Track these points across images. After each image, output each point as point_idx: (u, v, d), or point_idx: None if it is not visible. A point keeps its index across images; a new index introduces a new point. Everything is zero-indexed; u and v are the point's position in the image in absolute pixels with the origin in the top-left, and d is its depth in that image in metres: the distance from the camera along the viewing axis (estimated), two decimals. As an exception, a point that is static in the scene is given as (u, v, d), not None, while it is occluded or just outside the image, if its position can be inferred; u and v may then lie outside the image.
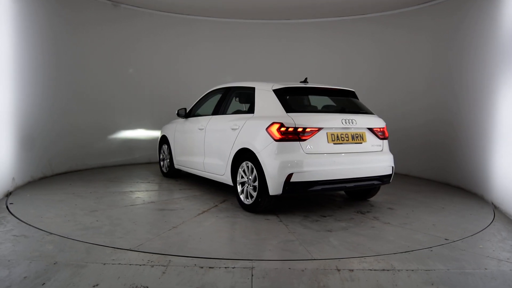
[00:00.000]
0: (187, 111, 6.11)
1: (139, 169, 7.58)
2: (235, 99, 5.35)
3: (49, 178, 6.25)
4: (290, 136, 4.14)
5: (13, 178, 5.25)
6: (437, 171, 6.88)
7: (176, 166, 6.36)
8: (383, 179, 4.69)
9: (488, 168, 5.37)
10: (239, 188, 4.65)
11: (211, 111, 5.55)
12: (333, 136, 4.32)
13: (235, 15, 8.41)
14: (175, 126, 6.39)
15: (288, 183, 4.07)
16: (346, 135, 4.42)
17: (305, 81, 5.01)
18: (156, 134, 8.52)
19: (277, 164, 4.09)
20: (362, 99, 8.11)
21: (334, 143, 4.32)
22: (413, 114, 7.43)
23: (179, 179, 6.50)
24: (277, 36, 8.75)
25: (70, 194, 5.21)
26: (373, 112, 4.97)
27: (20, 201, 4.73)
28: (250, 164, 4.44)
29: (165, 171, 6.73)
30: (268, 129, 4.21)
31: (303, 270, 2.93)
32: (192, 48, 8.62)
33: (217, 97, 5.61)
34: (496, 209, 4.95)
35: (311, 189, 4.18)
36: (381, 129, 4.76)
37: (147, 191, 5.67)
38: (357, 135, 4.51)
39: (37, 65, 6.07)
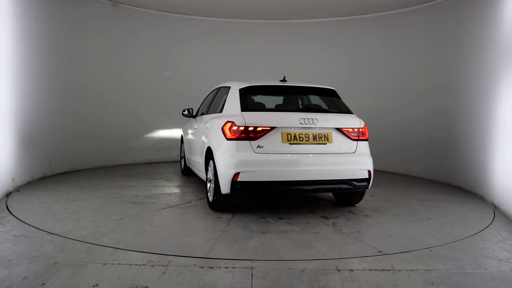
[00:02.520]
0: (192, 111, 6.15)
1: (162, 167, 7.82)
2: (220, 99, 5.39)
3: (49, 178, 6.25)
4: (240, 135, 4.07)
5: (13, 178, 5.25)
6: (437, 171, 6.88)
7: (187, 165, 6.51)
8: (354, 184, 4.30)
9: (488, 168, 5.37)
10: (208, 186, 4.68)
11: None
12: (289, 135, 4.13)
13: (235, 15, 8.42)
14: (186, 125, 6.58)
15: (235, 182, 4.00)
16: (307, 135, 4.19)
17: (284, 79, 4.97)
18: (156, 134, 8.53)
19: (225, 163, 4.07)
20: (362, 99, 8.19)
21: (290, 143, 4.13)
22: (413, 114, 7.43)
23: (191, 177, 6.69)
24: (276, 36, 8.75)
25: (70, 193, 5.22)
26: (351, 111, 4.68)
27: (20, 201, 4.74)
28: (212, 162, 4.43)
29: (182, 168, 6.93)
30: (223, 128, 4.21)
31: (303, 270, 2.93)
32: (192, 48, 8.63)
33: (212, 96, 5.68)
34: (496, 209, 4.95)
35: (260, 189, 4.07)
36: (355, 130, 4.40)
37: (146, 186, 5.86)
38: (320, 135, 4.23)
39: (37, 65, 6.07)
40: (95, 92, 7.43)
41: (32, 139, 5.84)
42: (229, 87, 4.86)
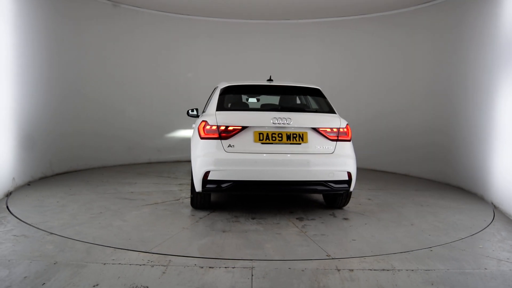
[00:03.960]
0: (197, 111, 6.16)
1: (178, 166, 7.88)
2: None
3: (49, 178, 6.26)
4: (213, 135, 4.11)
5: (13, 178, 5.25)
6: (437, 171, 6.88)
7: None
8: (331, 186, 4.16)
9: (488, 168, 5.38)
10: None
11: None
12: (261, 135, 4.10)
13: (235, 15, 8.42)
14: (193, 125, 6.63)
15: (206, 181, 4.03)
16: (280, 135, 4.13)
17: (270, 79, 4.98)
18: (156, 134, 8.53)
19: (197, 161, 4.11)
20: (362, 99, 8.19)
21: (262, 143, 4.09)
22: (413, 114, 7.44)
23: None
24: (277, 36, 8.75)
25: (72, 188, 5.32)
26: (334, 111, 4.54)
27: (21, 200, 4.75)
28: None
29: None
30: (198, 127, 4.26)
31: (303, 270, 2.93)
32: (192, 48, 8.63)
33: (209, 96, 5.71)
34: (496, 209, 4.96)
35: (230, 188, 4.05)
36: (334, 130, 4.25)
37: (149, 183, 6.02)
38: (295, 135, 4.15)
39: (37, 65, 6.08)
40: (95, 92, 7.43)
41: (32, 139, 5.84)
42: (217, 87, 4.92)
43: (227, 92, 4.57)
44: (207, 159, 4.05)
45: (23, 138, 5.57)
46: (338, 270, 2.96)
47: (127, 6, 7.80)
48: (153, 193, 5.40)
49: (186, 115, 6.12)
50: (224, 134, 4.08)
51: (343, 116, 8.17)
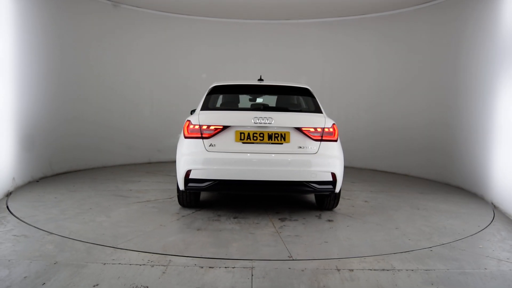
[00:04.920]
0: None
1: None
2: None
3: (49, 178, 6.25)
4: (195, 134, 4.15)
5: (13, 178, 5.25)
6: (437, 171, 6.88)
7: None
8: (314, 186, 4.09)
9: (488, 168, 5.38)
10: None
11: None
12: (242, 135, 4.10)
13: (235, 15, 8.42)
14: None
15: (188, 180, 4.08)
16: (261, 135, 4.11)
17: (260, 79, 5.00)
18: (156, 134, 8.52)
19: (181, 161, 4.16)
20: (362, 99, 8.19)
21: (243, 142, 4.10)
22: (413, 114, 7.43)
23: None
24: (277, 36, 8.75)
25: (76, 185, 5.36)
26: (321, 110, 4.46)
27: (21, 198, 4.75)
28: None
29: None
30: (183, 126, 4.31)
31: (303, 270, 2.94)
32: (191, 47, 8.63)
33: None
34: (495, 209, 4.95)
35: (211, 187, 4.07)
36: (317, 130, 4.17)
37: (152, 182, 6.14)
38: (276, 135, 4.12)
39: (37, 65, 6.07)
40: (95, 91, 7.43)
41: (32, 139, 5.84)
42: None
43: (214, 92, 4.66)
44: (189, 158, 4.11)
45: (23, 138, 5.57)
46: (338, 270, 2.96)
47: (127, 6, 7.80)
48: (151, 191, 5.47)
49: (188, 115, 6.13)
50: (206, 133, 4.12)
51: (343, 116, 8.18)
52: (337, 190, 4.24)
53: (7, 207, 4.46)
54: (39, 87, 6.13)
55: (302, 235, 3.77)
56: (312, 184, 4.09)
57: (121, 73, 7.92)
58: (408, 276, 2.87)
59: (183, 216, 4.33)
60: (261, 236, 3.71)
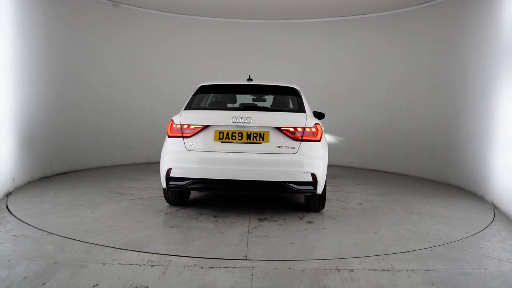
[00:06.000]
0: None
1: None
2: None
3: (49, 178, 6.25)
4: (177, 133, 4.23)
5: (13, 178, 5.25)
6: (437, 171, 6.87)
7: None
8: (293, 187, 4.03)
9: (488, 168, 5.37)
10: None
11: None
12: (221, 134, 4.13)
13: (235, 15, 8.42)
14: None
15: (169, 178, 4.15)
16: (240, 134, 4.12)
17: (249, 78, 5.02)
18: (156, 134, 8.51)
19: (163, 159, 4.24)
20: (362, 98, 8.18)
21: (222, 142, 4.12)
22: (413, 114, 7.43)
23: None
24: (277, 36, 8.75)
25: (81, 183, 5.43)
26: (305, 110, 4.37)
27: (21, 200, 4.74)
28: None
29: None
30: (167, 125, 4.37)
31: (303, 270, 2.93)
32: (192, 47, 8.62)
33: None
34: (496, 209, 4.95)
35: (190, 186, 4.11)
36: (298, 129, 4.12)
37: (154, 180, 6.17)
38: (255, 134, 4.11)
39: (37, 65, 6.07)
40: (95, 92, 7.42)
41: (32, 139, 5.84)
42: None
43: (200, 92, 4.72)
44: (170, 157, 4.18)
45: (23, 138, 5.57)
46: (338, 270, 2.96)
47: (127, 6, 7.80)
48: (150, 189, 5.55)
49: None
50: (187, 133, 4.19)
51: (343, 116, 8.16)
52: (319, 191, 4.16)
53: (7, 207, 4.45)
54: (39, 87, 6.13)
55: (271, 236, 3.73)
56: (290, 184, 4.04)
57: (121, 72, 7.92)
58: (408, 276, 2.87)
59: (165, 213, 4.40)
60: (229, 235, 3.70)
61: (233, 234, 3.75)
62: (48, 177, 6.09)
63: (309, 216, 4.43)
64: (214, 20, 8.62)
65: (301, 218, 4.35)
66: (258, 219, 4.27)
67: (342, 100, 8.42)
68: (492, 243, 3.69)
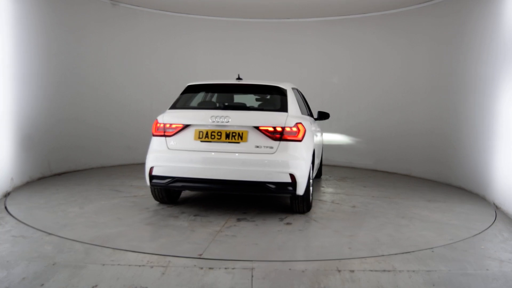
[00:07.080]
0: None
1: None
2: None
3: (47, 178, 6.23)
4: (160, 132, 4.30)
5: (12, 179, 5.23)
6: (439, 172, 6.85)
7: None
8: (270, 187, 3.98)
9: (490, 169, 5.35)
10: None
11: None
12: (201, 133, 4.14)
13: (235, 14, 8.40)
14: None
15: (151, 176, 4.23)
16: (219, 133, 4.11)
17: (239, 78, 5.04)
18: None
19: (147, 158, 4.31)
20: (363, 98, 8.16)
21: (202, 141, 4.13)
22: (414, 114, 7.41)
23: None
24: (277, 35, 8.73)
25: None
26: (287, 109, 4.29)
27: (21, 200, 4.73)
28: None
29: None
30: (152, 125, 4.44)
31: (303, 271, 2.92)
32: (191, 47, 8.61)
33: None
34: (497, 210, 4.93)
35: (171, 184, 4.16)
36: (277, 129, 4.04)
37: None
38: (234, 134, 4.09)
39: (36, 64, 6.05)
40: (94, 92, 7.40)
41: (31, 140, 5.81)
42: None
43: (187, 92, 4.77)
44: (152, 155, 4.27)
45: (22, 138, 5.55)
46: (339, 271, 2.94)
47: (126, 5, 7.78)
48: (144, 188, 5.52)
49: None
50: (168, 132, 4.24)
51: (343, 116, 8.14)
52: (299, 192, 4.06)
53: (5, 207, 4.44)
54: (37, 87, 6.10)
55: (239, 236, 3.68)
56: (268, 184, 3.99)
57: (120, 72, 7.90)
58: (409, 277, 2.85)
59: (149, 211, 4.46)
60: (197, 234, 3.69)
61: (202, 233, 3.73)
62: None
63: (291, 218, 4.31)
64: (214, 19, 8.60)
65: (281, 219, 4.24)
66: (237, 219, 4.22)
67: (343, 99, 8.39)
68: (494, 244, 3.68)
